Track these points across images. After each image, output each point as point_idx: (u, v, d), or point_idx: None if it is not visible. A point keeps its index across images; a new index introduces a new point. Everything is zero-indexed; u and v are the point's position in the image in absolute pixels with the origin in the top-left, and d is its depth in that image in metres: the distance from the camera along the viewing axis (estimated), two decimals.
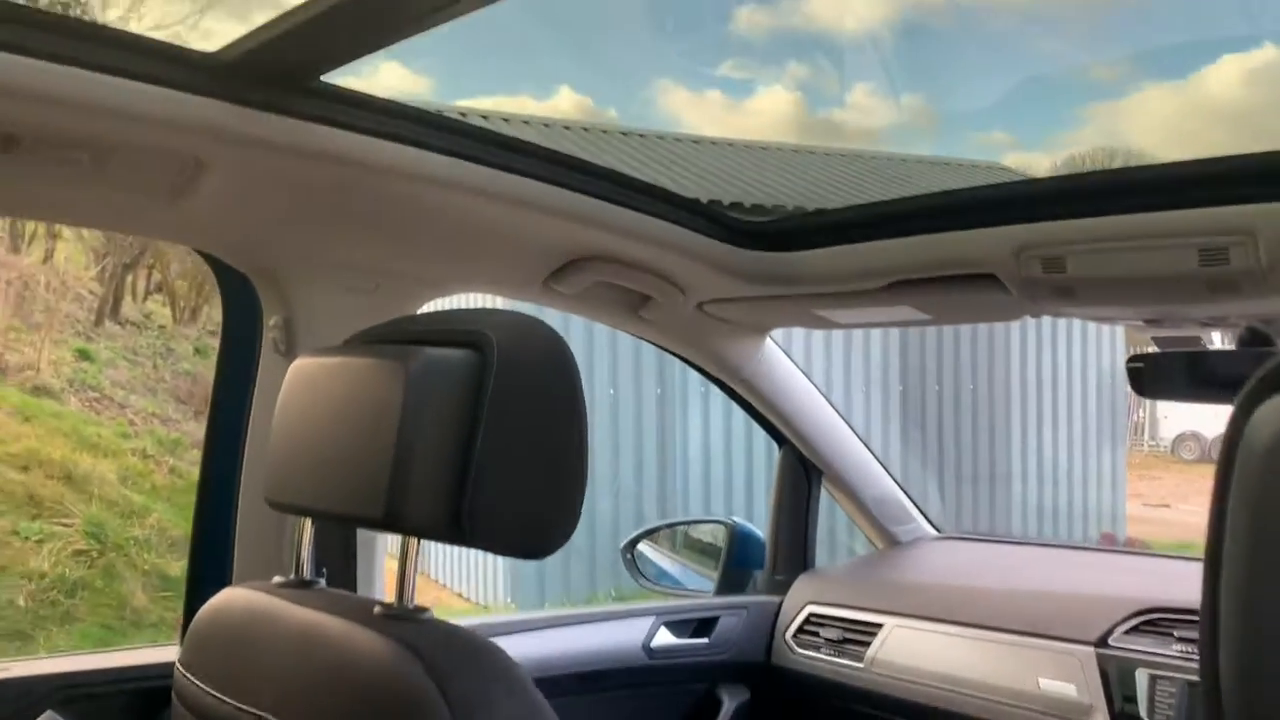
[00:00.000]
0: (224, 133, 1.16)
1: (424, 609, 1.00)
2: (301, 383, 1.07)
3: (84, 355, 7.91)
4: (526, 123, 9.19)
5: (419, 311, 1.57)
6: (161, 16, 9.23)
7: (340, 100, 1.22)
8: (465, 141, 1.35)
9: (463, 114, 9.01)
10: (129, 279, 9.87)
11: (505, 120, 9.02)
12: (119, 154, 1.15)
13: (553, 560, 6.44)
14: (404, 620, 0.97)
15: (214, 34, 8.94)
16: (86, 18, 7.81)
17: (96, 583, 5.50)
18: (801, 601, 2.05)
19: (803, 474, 2.14)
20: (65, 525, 5.70)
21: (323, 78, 1.19)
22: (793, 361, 2.06)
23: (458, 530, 0.93)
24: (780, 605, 2.08)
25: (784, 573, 2.14)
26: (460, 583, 7.51)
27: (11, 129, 1.07)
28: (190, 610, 1.45)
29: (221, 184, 1.24)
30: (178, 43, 1.16)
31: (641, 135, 10.01)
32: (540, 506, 0.97)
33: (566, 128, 9.66)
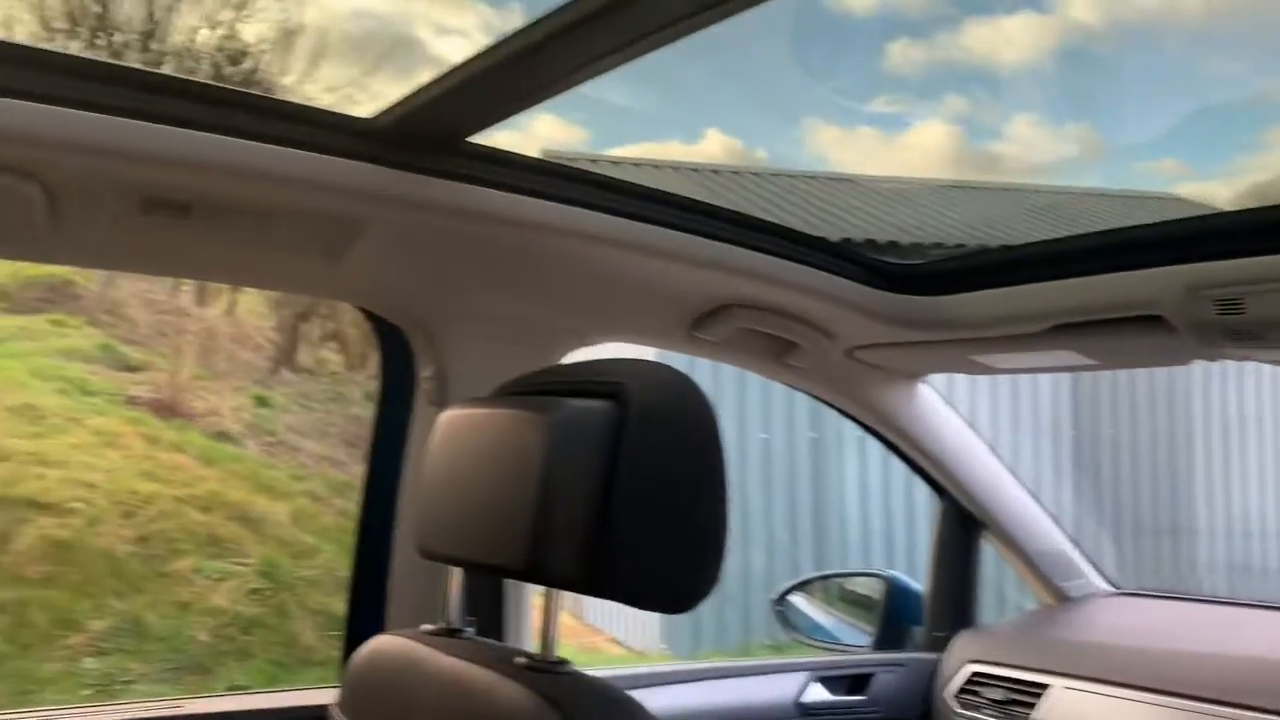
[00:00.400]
0: (379, 195, 1.21)
1: (565, 661, 1.00)
2: (449, 434, 1.10)
3: (262, 402, 8.35)
4: (675, 169, 9.30)
5: (564, 360, 1.59)
6: (333, 79, 9.81)
7: (488, 160, 1.26)
8: (607, 195, 1.37)
9: (615, 163, 9.19)
10: (303, 328, 10.41)
11: (656, 167, 9.14)
12: (282, 218, 1.22)
13: (706, 607, 6.37)
14: (545, 672, 0.98)
15: (380, 95, 9.42)
16: (263, 85, 8.36)
17: (270, 620, 5.77)
18: (962, 659, 1.96)
19: (963, 526, 2.06)
20: (242, 564, 6.01)
21: (471, 138, 1.23)
22: (952, 408, 1.99)
23: (596, 583, 0.93)
24: (940, 663, 1.99)
25: (943, 629, 2.05)
26: (614, 626, 7.52)
27: (186, 198, 1.15)
28: (347, 653, 1.49)
29: (376, 243, 1.29)
30: (337, 109, 1.22)
31: (791, 175, 9.98)
32: (679, 561, 0.95)
33: (715, 171, 9.72)
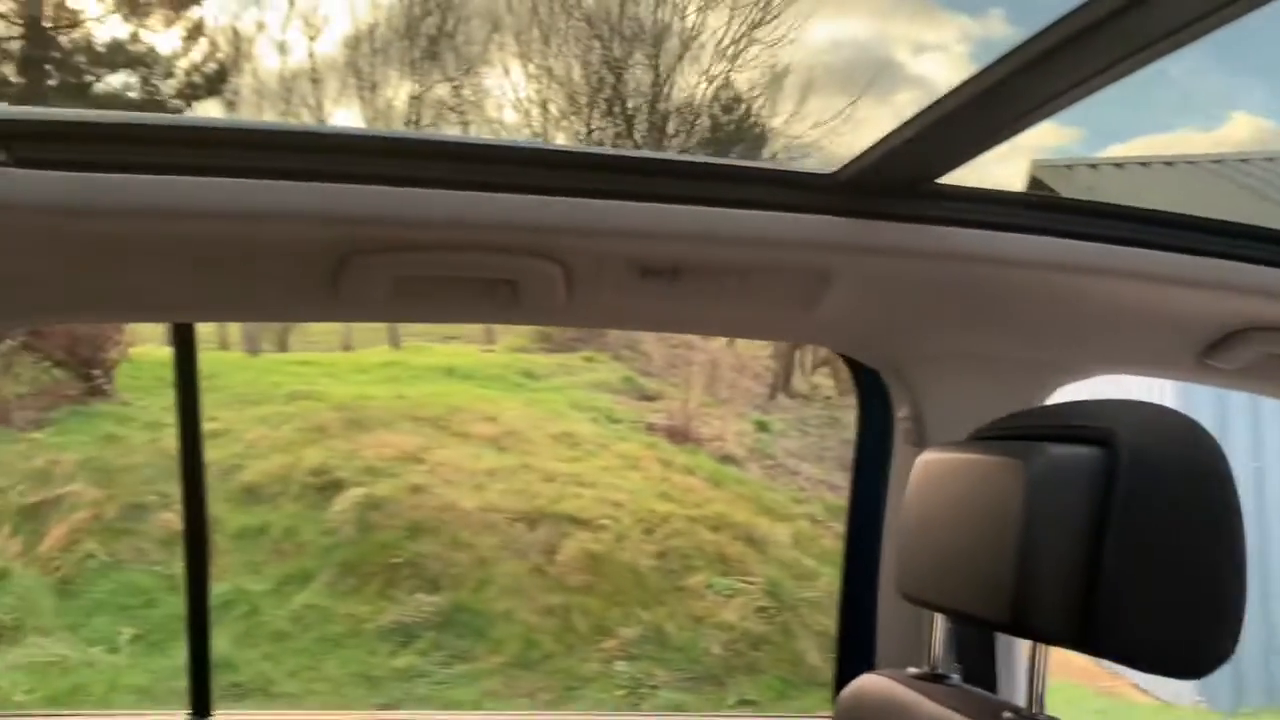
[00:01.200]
0: (848, 245, 1.25)
1: (1054, 719, 0.96)
2: (927, 477, 1.10)
3: (761, 427, 8.78)
4: (1192, 163, 8.34)
5: (1051, 398, 1.51)
6: (819, 113, 10.14)
7: (954, 198, 1.24)
8: (1094, 221, 1.28)
9: (1118, 164, 8.49)
10: (797, 355, 10.80)
11: (1168, 164, 8.28)
12: (758, 274, 1.30)
13: (1251, 658, 5.61)
14: None
15: (864, 122, 9.56)
16: (755, 129, 8.86)
17: (775, 638, 6.03)
18: None
19: None
20: (749, 583, 6.36)
21: (939, 179, 1.22)
22: None
23: (1088, 640, 0.89)
24: None
25: None
26: (1139, 673, 6.84)
27: (675, 264, 1.27)
28: (838, 687, 1.53)
29: (847, 290, 1.33)
30: (799, 169, 1.29)
31: None
32: (1185, 621, 0.89)
33: (1243, 160, 8.57)
